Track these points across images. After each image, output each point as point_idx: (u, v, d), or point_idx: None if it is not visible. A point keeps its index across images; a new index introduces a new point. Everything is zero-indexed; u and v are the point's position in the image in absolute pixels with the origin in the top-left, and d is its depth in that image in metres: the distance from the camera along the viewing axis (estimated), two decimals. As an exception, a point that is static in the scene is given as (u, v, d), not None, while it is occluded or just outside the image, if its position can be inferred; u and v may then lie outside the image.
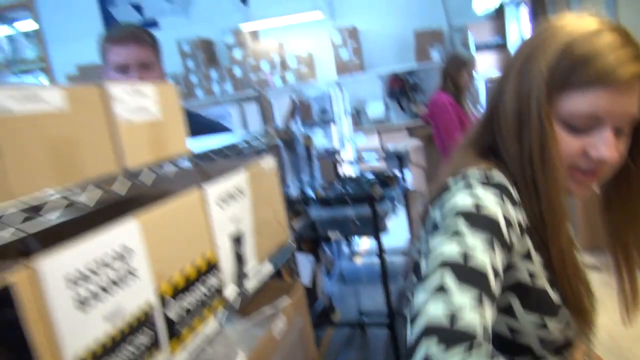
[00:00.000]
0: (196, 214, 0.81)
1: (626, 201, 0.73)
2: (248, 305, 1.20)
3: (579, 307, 0.67)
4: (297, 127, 2.64)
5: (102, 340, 0.58)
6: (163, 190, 0.86)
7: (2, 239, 0.50)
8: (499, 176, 0.66)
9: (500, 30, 4.71)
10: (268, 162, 1.08)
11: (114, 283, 0.61)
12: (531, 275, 0.66)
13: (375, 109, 5.94)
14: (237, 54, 6.12)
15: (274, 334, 1.04)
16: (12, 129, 0.50)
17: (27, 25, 8.60)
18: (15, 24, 8.46)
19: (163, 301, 0.71)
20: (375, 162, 4.71)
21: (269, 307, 1.13)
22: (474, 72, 2.81)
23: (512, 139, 0.68)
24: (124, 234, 0.63)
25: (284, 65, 5.97)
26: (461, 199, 0.61)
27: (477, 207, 0.59)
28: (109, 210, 0.74)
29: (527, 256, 0.66)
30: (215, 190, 0.86)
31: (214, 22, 6.29)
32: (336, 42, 5.73)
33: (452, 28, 5.44)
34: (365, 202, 2.31)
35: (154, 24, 6.71)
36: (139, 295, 0.65)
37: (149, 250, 0.68)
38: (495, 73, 4.56)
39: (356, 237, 3.76)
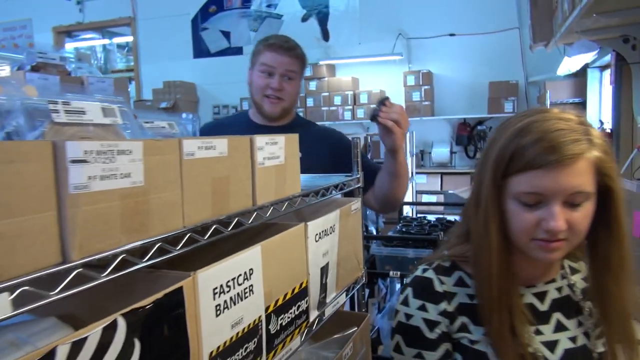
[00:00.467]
0: (299, 245, 0.95)
1: (603, 259, 0.79)
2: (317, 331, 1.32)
3: None
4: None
5: (226, 342, 0.73)
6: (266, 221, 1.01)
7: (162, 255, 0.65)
8: (431, 274, 0.86)
9: (580, 90, 4.68)
10: (356, 204, 1.21)
11: (239, 296, 0.75)
12: (471, 341, 0.81)
13: (441, 152, 5.99)
14: (313, 85, 6.39)
15: (342, 358, 1.15)
16: (192, 169, 0.66)
17: (123, 39, 9.31)
18: (115, 39, 9.18)
19: (268, 315, 0.85)
20: (434, 205, 4.74)
21: (339, 334, 1.25)
22: None
23: (471, 216, 0.81)
24: (252, 257, 0.77)
25: (355, 100, 6.17)
26: (400, 312, 0.87)
27: (407, 317, 0.85)
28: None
29: (464, 330, 0.82)
30: (315, 225, 1.00)
31: (295, 54, 6.61)
32: (409, 84, 5.88)
33: (529, 83, 5.44)
34: (428, 245, 2.38)
35: (239, 50, 7.15)
36: (253, 308, 0.79)
37: (264, 271, 0.82)
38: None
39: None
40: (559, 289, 0.85)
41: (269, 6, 6.97)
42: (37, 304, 0.45)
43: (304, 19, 6.75)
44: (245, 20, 7.11)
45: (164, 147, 0.60)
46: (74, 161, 0.48)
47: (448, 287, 0.84)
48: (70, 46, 8.87)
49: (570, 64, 3.77)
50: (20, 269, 0.44)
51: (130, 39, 8.99)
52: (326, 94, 6.28)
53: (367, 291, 2.80)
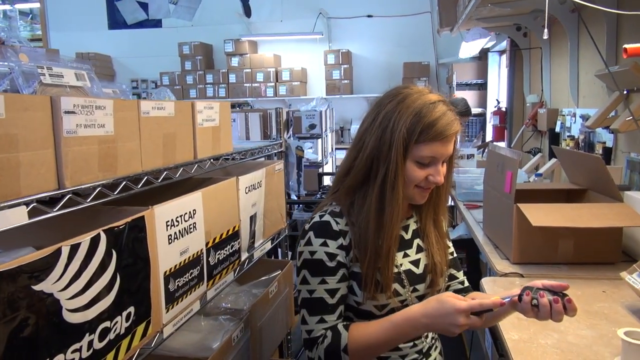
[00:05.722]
0: (231, 195, 1.13)
1: (433, 195, 1.09)
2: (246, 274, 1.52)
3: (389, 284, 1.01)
4: (291, 138, 2.97)
5: (176, 265, 0.90)
6: (203, 175, 1.18)
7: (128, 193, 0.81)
8: (328, 217, 1.00)
9: (482, 72, 5.16)
10: (279, 165, 1.41)
11: (185, 230, 0.93)
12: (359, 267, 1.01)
13: (359, 129, 6.31)
14: (235, 61, 6.43)
15: (269, 295, 1.36)
16: (147, 125, 0.82)
17: (26, 5, 8.66)
18: (18, 5, 8.53)
19: (208, 249, 1.03)
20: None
21: (266, 277, 1.45)
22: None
23: (363, 171, 1.01)
24: (195, 200, 0.95)
25: (277, 77, 6.31)
26: (305, 252, 0.97)
27: (311, 253, 0.97)
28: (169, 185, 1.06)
29: (357, 260, 1.00)
30: (245, 180, 1.18)
31: (216, 29, 6.60)
32: (329, 62, 6.11)
33: (439, 64, 5.88)
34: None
35: (157, 23, 6.99)
36: (197, 241, 0.97)
37: (204, 213, 1.00)
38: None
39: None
40: (416, 222, 1.10)
41: (189, -22, 6.85)
42: (44, 217, 0.61)
43: (226, -7, 6.72)
44: (164, -8, 6.94)
45: (128, 106, 0.76)
46: (66, 112, 0.63)
47: (342, 227, 1.00)
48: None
49: (469, 49, 4.17)
50: (30, 189, 0.60)
51: (34, 5, 8.37)
52: (248, 70, 6.35)
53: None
